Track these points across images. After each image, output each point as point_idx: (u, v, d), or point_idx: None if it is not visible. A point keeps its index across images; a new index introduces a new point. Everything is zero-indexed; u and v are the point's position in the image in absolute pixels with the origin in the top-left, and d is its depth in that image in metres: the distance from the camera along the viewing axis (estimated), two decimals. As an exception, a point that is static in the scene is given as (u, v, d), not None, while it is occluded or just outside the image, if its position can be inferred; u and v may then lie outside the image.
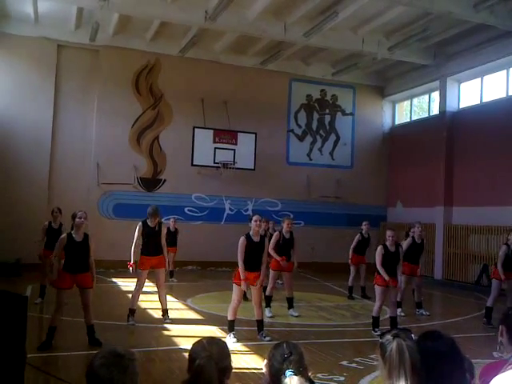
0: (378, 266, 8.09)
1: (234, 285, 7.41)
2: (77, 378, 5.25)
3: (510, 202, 13.15)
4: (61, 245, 6.84)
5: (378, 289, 8.13)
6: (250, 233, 7.42)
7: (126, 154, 15.87)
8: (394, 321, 8.12)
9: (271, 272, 9.58)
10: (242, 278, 7.19)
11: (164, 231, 8.56)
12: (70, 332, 7.35)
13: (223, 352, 2.35)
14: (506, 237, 9.73)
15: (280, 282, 11.50)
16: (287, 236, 9.59)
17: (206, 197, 16.69)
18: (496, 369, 2.24)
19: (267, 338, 7.33)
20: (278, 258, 9.26)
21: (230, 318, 7.42)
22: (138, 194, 15.81)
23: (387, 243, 8.20)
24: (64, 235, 6.97)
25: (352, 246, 11.83)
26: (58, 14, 14.20)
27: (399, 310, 9.48)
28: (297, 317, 9.36)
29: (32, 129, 14.73)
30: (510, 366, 0.92)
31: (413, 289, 10.53)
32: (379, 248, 8.27)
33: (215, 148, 16.16)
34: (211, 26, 13.37)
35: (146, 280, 8.53)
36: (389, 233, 8.32)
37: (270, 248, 8.81)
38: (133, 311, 8.20)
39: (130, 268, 8.34)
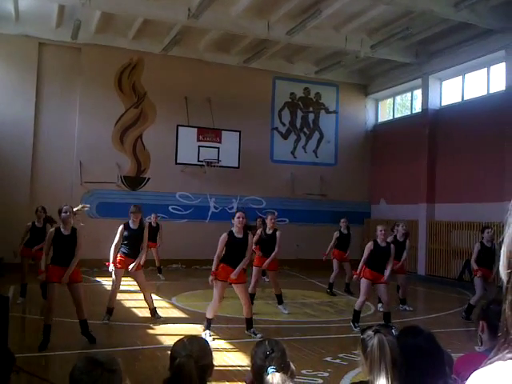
0: (362, 260, 8.16)
1: (214, 282, 7.37)
2: (62, 379, 5.21)
3: (491, 198, 13.31)
4: (49, 239, 6.87)
5: (363, 282, 8.07)
6: (233, 230, 7.43)
7: (109, 152, 15.76)
8: (387, 316, 8.00)
9: (254, 268, 9.52)
10: (213, 269, 7.26)
11: (146, 233, 8.45)
12: (58, 332, 7.29)
13: (204, 350, 2.36)
14: (480, 235, 9.77)
15: (266, 280, 11.53)
16: (269, 232, 9.54)
17: (190, 195, 16.66)
18: (472, 362, 2.28)
19: (259, 335, 7.21)
20: None
21: (209, 316, 7.34)
22: (121, 193, 15.72)
23: (378, 239, 8.20)
24: (52, 229, 7.04)
25: (331, 245, 11.84)
26: (39, 11, 14.03)
27: (380, 304, 9.43)
28: (288, 314, 9.30)
29: (13, 127, 14.53)
30: (489, 361, 0.94)
31: (397, 285, 10.62)
32: (369, 243, 8.29)
33: (199, 146, 16.10)
34: (194, 23, 13.33)
35: (130, 279, 8.50)
36: (379, 227, 8.28)
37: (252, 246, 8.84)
38: (110, 310, 8.16)
39: (109, 267, 8.17)
